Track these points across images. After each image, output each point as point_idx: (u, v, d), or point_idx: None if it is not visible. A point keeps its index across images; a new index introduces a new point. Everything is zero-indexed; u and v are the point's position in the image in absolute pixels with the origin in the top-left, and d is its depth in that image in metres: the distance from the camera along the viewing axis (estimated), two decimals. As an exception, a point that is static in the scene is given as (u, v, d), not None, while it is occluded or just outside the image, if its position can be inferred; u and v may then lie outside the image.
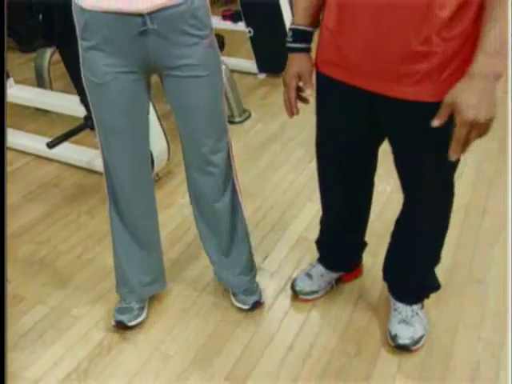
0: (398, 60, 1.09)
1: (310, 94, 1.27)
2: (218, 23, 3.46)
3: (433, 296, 1.59)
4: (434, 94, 1.10)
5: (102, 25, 1.18)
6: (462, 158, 1.09)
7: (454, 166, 1.28)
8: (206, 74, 1.29)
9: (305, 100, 1.32)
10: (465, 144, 1.03)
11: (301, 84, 1.28)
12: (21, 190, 2.35)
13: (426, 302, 1.58)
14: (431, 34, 1.03)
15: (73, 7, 1.21)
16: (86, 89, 1.31)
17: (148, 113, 1.40)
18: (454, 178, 1.32)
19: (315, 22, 1.26)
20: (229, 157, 1.46)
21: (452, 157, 1.05)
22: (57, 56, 2.42)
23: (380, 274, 1.62)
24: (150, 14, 1.16)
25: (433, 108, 1.06)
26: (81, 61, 1.27)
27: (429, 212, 1.38)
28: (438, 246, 1.47)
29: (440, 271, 1.56)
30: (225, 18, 3.45)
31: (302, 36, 1.26)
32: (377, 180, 1.52)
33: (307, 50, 1.28)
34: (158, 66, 1.27)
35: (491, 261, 1.82)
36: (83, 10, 1.18)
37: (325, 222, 1.64)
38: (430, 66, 1.07)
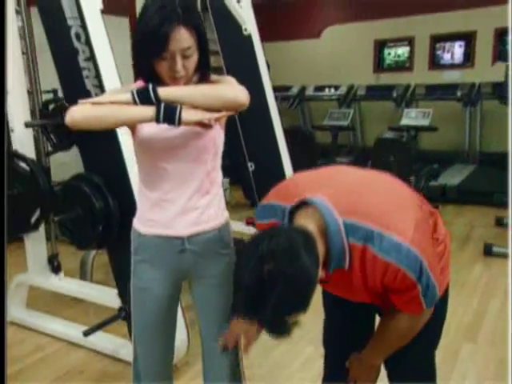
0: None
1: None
2: (242, 228, 3.96)
3: None
4: None
5: (151, 245, 1.56)
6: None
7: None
8: (225, 284, 1.60)
9: None
10: None
11: None
12: (49, 375, 2.53)
13: None
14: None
15: (132, 231, 1.61)
16: (131, 292, 1.63)
17: (177, 310, 1.71)
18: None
19: None
20: (237, 347, 1.69)
21: None
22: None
23: None
24: (188, 237, 1.54)
25: None
26: (132, 270, 1.62)
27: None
28: None
29: None
30: (248, 223, 3.97)
31: None
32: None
33: None
34: (189, 275, 1.62)
35: None
36: (139, 234, 1.57)
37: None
38: None
